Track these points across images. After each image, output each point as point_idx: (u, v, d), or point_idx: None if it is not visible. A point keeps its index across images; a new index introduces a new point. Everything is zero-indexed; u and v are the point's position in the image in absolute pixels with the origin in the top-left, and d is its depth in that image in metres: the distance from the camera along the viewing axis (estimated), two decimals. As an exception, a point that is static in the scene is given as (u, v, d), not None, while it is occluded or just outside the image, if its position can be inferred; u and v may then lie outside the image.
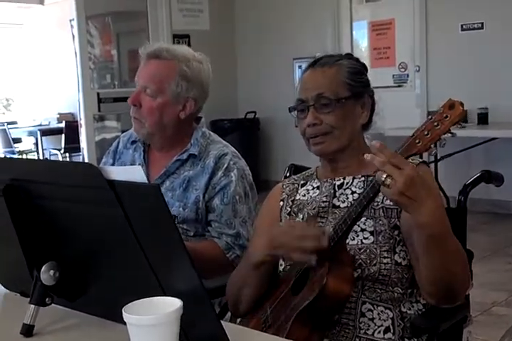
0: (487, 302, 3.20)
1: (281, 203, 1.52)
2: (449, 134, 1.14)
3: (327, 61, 1.46)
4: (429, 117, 1.15)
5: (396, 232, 1.33)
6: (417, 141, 1.15)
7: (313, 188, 1.49)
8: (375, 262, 1.31)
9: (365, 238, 1.33)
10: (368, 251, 1.32)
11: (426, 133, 1.14)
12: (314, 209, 1.44)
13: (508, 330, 0.89)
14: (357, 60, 1.49)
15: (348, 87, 1.42)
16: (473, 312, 1.55)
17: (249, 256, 1.41)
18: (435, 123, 1.13)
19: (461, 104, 1.13)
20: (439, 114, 1.13)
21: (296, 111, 1.46)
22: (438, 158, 4.85)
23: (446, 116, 1.13)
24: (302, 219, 1.44)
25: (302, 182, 1.53)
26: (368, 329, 1.30)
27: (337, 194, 1.43)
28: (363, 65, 1.49)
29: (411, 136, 1.16)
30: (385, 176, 1.11)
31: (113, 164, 1.91)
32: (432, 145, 1.15)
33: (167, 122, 1.76)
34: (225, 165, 1.74)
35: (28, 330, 1.11)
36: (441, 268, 1.22)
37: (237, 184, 1.74)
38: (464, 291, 1.31)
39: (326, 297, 1.22)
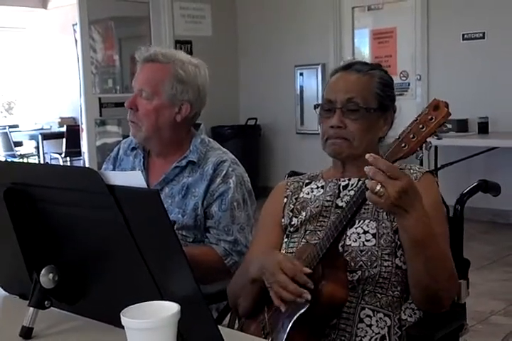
0: (485, 311, 3.19)
1: (285, 200, 1.53)
2: (435, 137, 1.13)
3: (361, 68, 1.45)
4: (415, 119, 1.13)
5: (398, 236, 1.34)
6: (403, 145, 1.14)
7: (318, 187, 1.51)
8: (375, 264, 1.32)
9: (367, 240, 1.35)
10: (369, 253, 1.33)
11: (412, 136, 1.13)
12: (317, 207, 1.45)
13: (503, 339, 0.89)
14: (386, 72, 1.49)
15: (378, 99, 1.42)
16: (471, 321, 1.55)
17: (248, 267, 1.41)
18: (420, 126, 1.12)
19: (446, 105, 1.11)
20: (424, 115, 1.12)
21: (320, 110, 1.45)
22: (438, 166, 4.86)
23: (432, 118, 1.11)
24: (305, 216, 1.45)
25: (307, 181, 1.55)
26: (364, 336, 1.31)
27: (341, 194, 1.45)
28: (391, 79, 1.49)
29: (397, 139, 1.16)
30: (379, 187, 1.12)
31: (113, 170, 1.92)
32: (418, 149, 1.14)
33: (163, 125, 1.77)
34: (224, 172, 1.75)
35: (26, 333, 1.12)
36: (425, 273, 1.23)
37: (236, 191, 1.74)
38: (448, 299, 1.32)
39: (322, 303, 1.23)
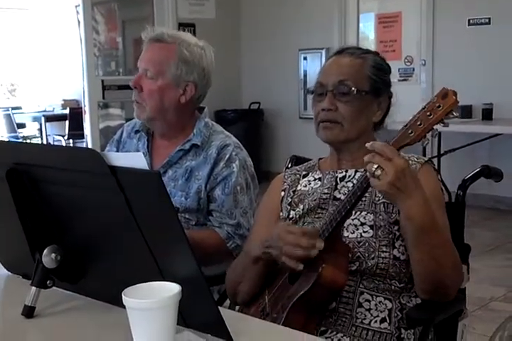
0: (485, 297, 3.21)
1: (283, 193, 1.53)
2: (442, 124, 1.14)
3: (355, 51, 1.45)
4: (423, 107, 1.15)
5: (396, 227, 1.34)
6: (410, 131, 1.16)
7: (315, 179, 1.50)
8: (373, 256, 1.32)
9: (364, 231, 1.35)
10: (366, 244, 1.33)
11: (419, 123, 1.15)
12: (315, 200, 1.45)
13: (501, 324, 0.90)
14: (383, 59, 1.49)
15: (370, 82, 1.42)
16: (471, 306, 1.56)
17: (249, 250, 1.42)
18: (428, 113, 1.14)
19: (455, 94, 1.13)
20: (432, 103, 1.14)
21: (313, 94, 1.45)
22: (441, 152, 4.85)
23: (439, 106, 1.13)
24: (303, 209, 1.45)
25: (304, 173, 1.54)
26: (364, 319, 1.32)
27: (338, 186, 1.44)
28: (388, 66, 1.49)
29: (404, 126, 1.17)
30: (375, 167, 1.14)
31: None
32: (424, 136, 1.16)
33: (167, 106, 1.76)
34: (227, 156, 1.75)
35: (29, 312, 1.13)
36: (431, 262, 1.23)
37: (239, 175, 1.75)
38: (455, 287, 1.32)
39: (321, 286, 1.23)
